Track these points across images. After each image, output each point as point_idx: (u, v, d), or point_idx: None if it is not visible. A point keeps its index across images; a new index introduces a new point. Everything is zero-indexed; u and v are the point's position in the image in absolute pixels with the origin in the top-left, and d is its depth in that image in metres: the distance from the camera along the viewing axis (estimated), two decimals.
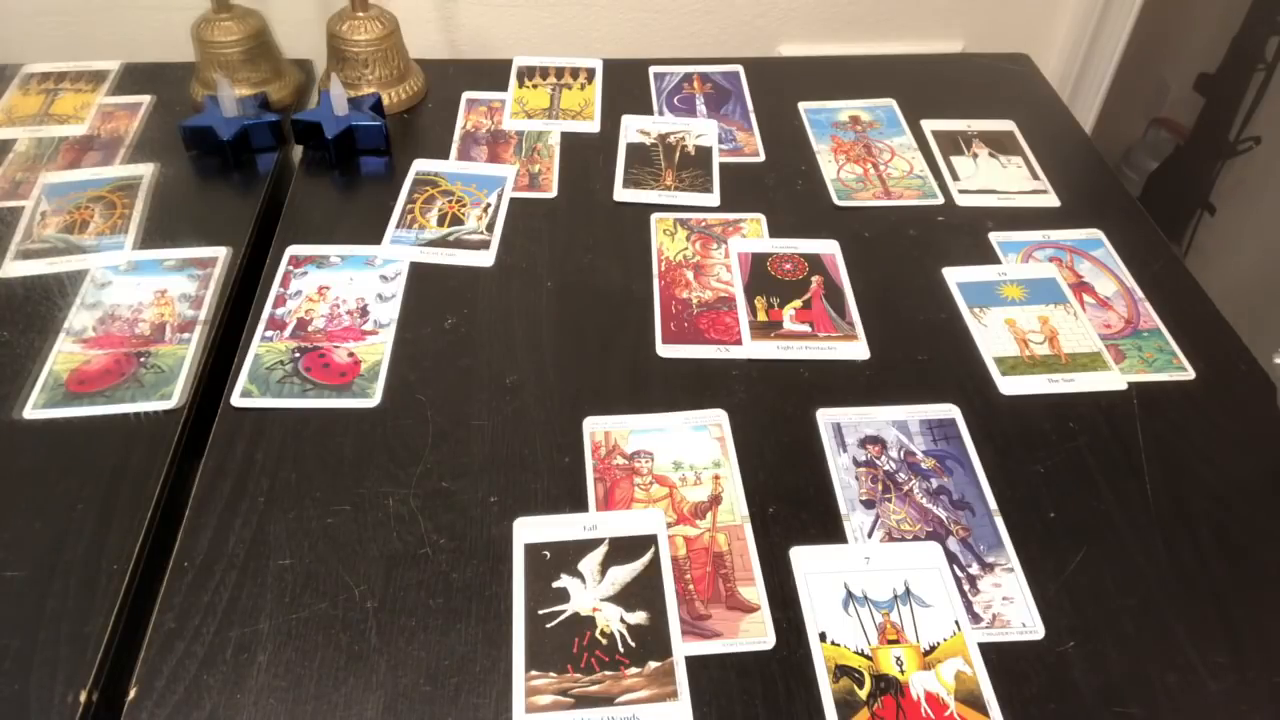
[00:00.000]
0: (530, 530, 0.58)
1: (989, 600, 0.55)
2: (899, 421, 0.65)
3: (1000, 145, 0.92)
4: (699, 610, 0.54)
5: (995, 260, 0.79)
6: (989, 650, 0.53)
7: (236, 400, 0.65)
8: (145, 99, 0.93)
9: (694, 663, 0.52)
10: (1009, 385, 0.68)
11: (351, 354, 0.69)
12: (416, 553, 0.57)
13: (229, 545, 0.57)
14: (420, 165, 0.87)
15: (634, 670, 0.51)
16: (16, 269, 0.75)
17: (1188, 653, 0.53)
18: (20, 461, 0.61)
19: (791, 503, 0.60)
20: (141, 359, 0.68)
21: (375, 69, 0.92)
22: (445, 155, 0.89)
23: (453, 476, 0.61)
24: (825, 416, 0.65)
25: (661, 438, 0.63)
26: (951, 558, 0.57)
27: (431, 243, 0.78)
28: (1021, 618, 0.54)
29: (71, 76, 0.96)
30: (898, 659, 0.52)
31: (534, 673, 0.51)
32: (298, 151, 0.88)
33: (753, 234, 0.80)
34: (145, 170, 0.85)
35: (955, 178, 0.87)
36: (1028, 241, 0.81)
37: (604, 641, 0.53)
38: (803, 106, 0.96)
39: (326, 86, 0.86)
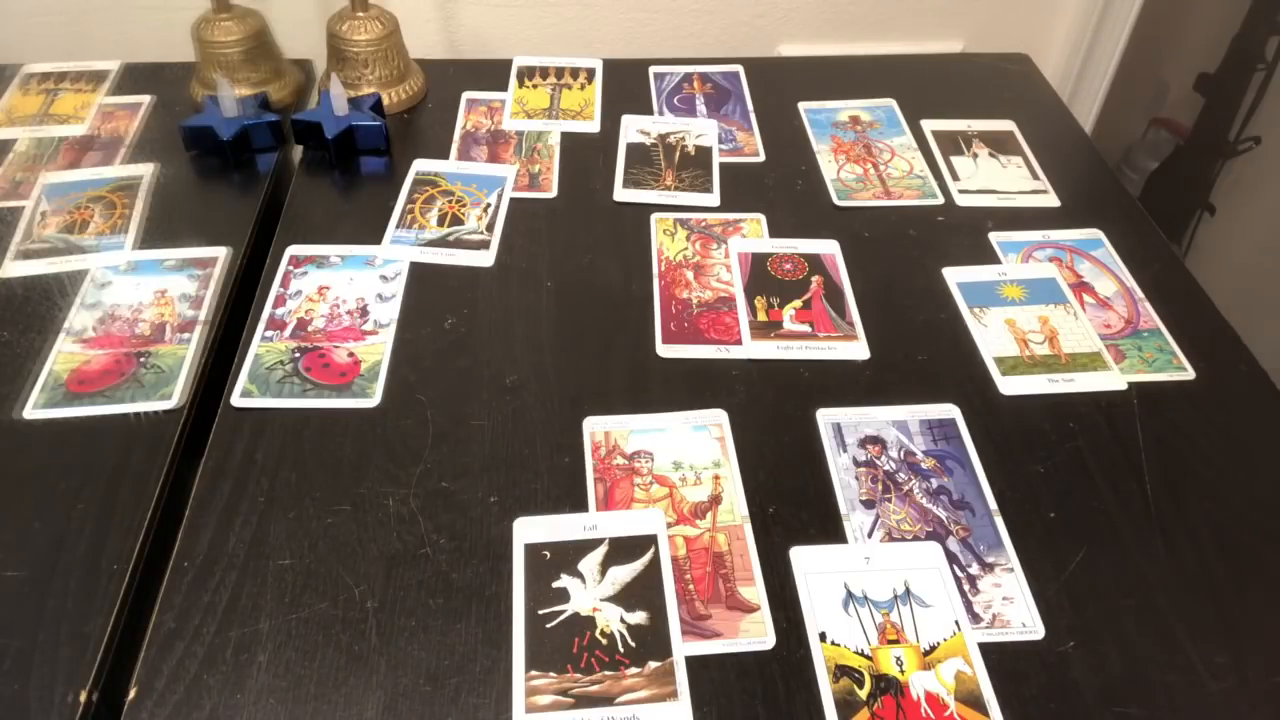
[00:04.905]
0: (530, 530, 0.58)
1: (989, 600, 0.55)
2: (899, 421, 0.65)
3: (1000, 145, 0.92)
4: (699, 610, 0.54)
5: (995, 260, 0.79)
6: (989, 650, 0.53)
7: (236, 400, 0.65)
8: (145, 99, 0.93)
9: (694, 663, 0.52)
10: (1009, 385, 0.68)
11: (351, 354, 0.69)
12: (416, 553, 0.57)
13: (229, 545, 0.57)
14: (420, 165, 0.87)
15: (634, 670, 0.51)
16: (16, 269, 0.75)
17: (1188, 653, 0.53)
18: (20, 461, 0.61)
19: (791, 503, 0.60)
20: (141, 359, 0.68)
21: (375, 69, 0.92)
22: (445, 155, 0.89)
23: (453, 476, 0.61)
24: (825, 416, 0.65)
25: (661, 438, 0.63)
26: (951, 558, 0.57)
27: (431, 243, 0.78)
28: (1021, 618, 0.54)
29: (71, 76, 0.96)
30: (898, 659, 0.52)
31: (534, 673, 0.51)
32: (298, 151, 0.88)
33: (753, 234, 0.80)
34: (145, 170, 0.85)
35: (955, 178, 0.87)
36: (1028, 241, 0.81)
37: (604, 641, 0.53)
38: (803, 106, 0.96)
39: (326, 86, 0.86)
